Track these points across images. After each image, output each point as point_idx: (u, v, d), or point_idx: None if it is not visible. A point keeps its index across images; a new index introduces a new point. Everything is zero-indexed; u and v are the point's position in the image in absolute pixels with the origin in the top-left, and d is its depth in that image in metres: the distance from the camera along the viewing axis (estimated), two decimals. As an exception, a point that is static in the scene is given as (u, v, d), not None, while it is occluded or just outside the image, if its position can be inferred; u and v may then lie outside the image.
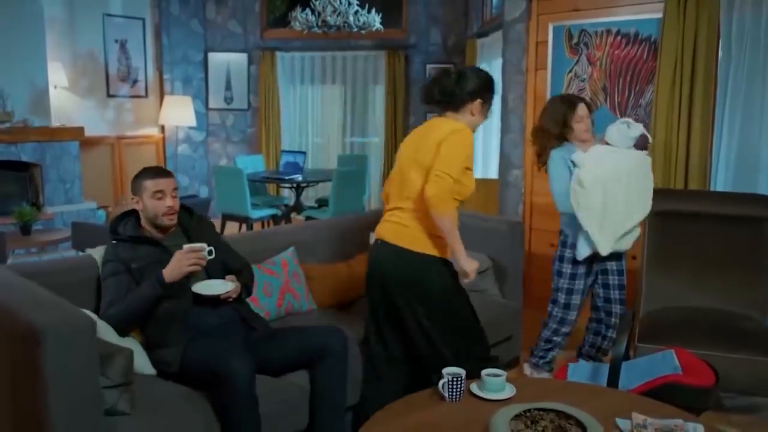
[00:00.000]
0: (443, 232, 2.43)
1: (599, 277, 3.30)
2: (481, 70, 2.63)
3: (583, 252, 3.12)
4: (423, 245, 2.50)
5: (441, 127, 2.50)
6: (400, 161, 2.62)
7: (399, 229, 2.52)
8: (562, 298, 3.28)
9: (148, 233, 2.52)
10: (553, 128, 3.15)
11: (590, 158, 3.03)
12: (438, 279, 2.52)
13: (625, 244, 3.13)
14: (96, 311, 2.36)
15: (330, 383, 2.44)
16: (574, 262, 3.21)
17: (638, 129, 3.10)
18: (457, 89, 2.52)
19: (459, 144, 2.43)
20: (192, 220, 2.64)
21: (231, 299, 2.50)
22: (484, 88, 2.56)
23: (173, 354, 2.34)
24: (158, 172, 2.52)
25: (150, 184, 2.46)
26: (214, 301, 2.45)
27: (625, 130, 3.08)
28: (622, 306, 3.27)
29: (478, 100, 2.55)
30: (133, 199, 2.52)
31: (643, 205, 3.10)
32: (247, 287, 2.63)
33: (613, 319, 3.30)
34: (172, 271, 2.34)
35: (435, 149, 2.42)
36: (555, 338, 3.35)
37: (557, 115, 3.15)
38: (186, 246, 2.40)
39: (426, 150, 2.46)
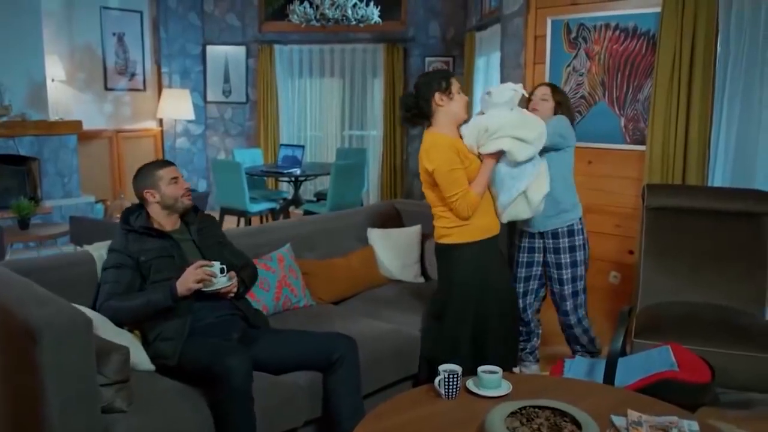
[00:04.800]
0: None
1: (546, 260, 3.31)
2: (429, 71, 2.86)
3: None
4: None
5: (422, 148, 2.74)
6: None
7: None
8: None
9: (158, 226, 2.57)
10: None
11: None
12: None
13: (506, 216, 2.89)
14: (94, 307, 2.37)
15: (348, 389, 2.44)
16: (521, 233, 3.33)
17: (502, 94, 2.77)
18: (418, 99, 2.74)
19: (441, 169, 2.65)
20: (196, 216, 2.69)
21: (232, 294, 2.53)
22: (432, 79, 2.74)
23: (172, 347, 2.35)
24: (165, 161, 2.67)
25: (164, 173, 2.58)
26: (214, 296, 2.48)
27: (487, 99, 2.82)
28: (569, 302, 3.26)
29: (437, 93, 2.70)
30: (147, 192, 2.56)
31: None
32: (244, 282, 2.64)
33: (564, 311, 3.29)
34: (180, 285, 2.38)
35: (424, 174, 2.73)
36: (521, 328, 3.38)
37: None
38: (198, 262, 2.44)
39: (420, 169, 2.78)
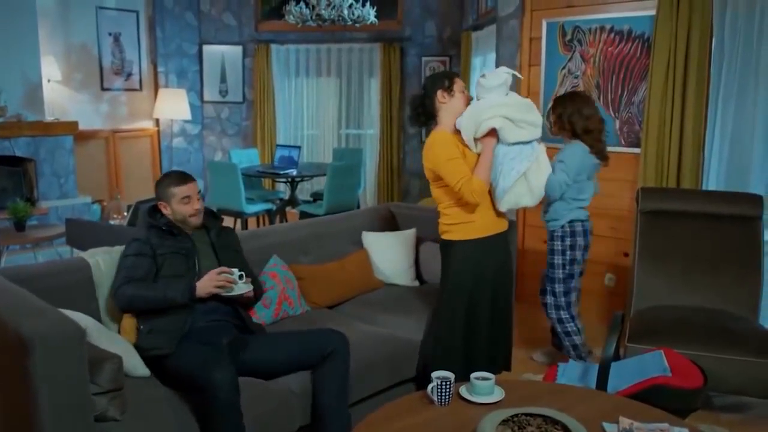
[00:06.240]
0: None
1: None
2: (435, 72, 2.94)
3: None
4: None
5: (424, 147, 2.80)
6: None
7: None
8: None
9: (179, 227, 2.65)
10: None
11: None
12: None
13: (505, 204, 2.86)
14: (89, 313, 2.38)
15: (334, 385, 2.46)
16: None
17: (497, 77, 2.79)
18: (424, 98, 2.83)
19: (440, 161, 2.71)
20: (216, 222, 2.77)
21: (247, 298, 2.64)
22: (437, 79, 2.83)
23: (167, 339, 2.39)
24: (184, 178, 2.66)
25: (178, 191, 2.61)
26: (230, 300, 2.56)
27: (482, 82, 2.80)
28: (548, 297, 3.46)
29: (439, 91, 2.78)
30: (161, 204, 2.63)
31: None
32: (256, 296, 2.74)
33: (543, 303, 3.52)
34: (200, 288, 2.46)
35: (429, 173, 2.79)
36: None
37: None
38: (218, 268, 2.53)
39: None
